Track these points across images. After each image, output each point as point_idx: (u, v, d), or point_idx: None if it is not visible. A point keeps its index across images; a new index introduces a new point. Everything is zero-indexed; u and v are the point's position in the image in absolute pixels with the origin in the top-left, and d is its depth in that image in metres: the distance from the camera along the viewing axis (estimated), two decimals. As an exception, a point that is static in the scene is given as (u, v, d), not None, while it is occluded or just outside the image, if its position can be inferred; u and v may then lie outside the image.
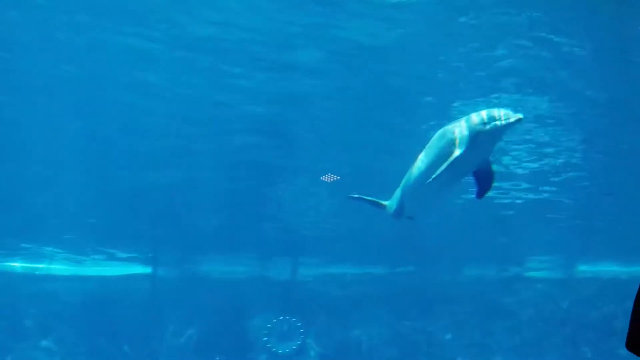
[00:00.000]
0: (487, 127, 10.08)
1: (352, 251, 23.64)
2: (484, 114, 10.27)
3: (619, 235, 20.93)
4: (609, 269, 24.02)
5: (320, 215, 20.80)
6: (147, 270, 25.11)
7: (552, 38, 12.32)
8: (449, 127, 10.87)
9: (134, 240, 22.69)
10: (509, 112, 10.08)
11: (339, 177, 19.05)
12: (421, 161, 11.38)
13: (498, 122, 9.99)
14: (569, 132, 15.66)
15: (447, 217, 20.25)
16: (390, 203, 13.05)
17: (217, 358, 23.94)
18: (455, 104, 14.21)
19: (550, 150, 16.44)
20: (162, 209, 19.98)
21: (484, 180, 10.87)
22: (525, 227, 21.26)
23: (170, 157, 17.06)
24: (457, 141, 10.42)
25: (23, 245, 22.75)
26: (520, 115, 9.99)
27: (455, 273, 25.40)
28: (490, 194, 11.61)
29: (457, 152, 10.34)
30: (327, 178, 19.06)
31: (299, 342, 24.71)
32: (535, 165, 17.23)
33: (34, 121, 15.21)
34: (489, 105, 13.56)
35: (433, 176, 10.63)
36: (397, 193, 12.64)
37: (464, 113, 11.88)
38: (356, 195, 14.05)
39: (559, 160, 16.97)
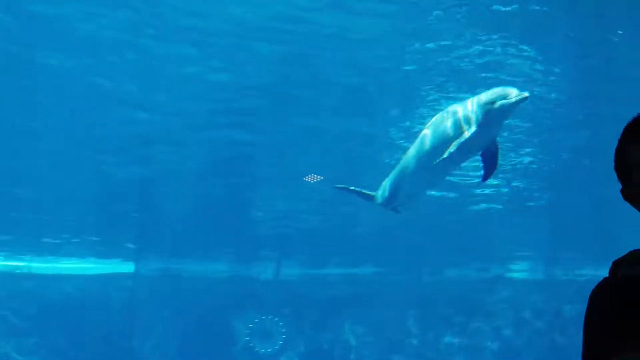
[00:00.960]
0: (496, 105, 10.11)
1: (336, 251, 23.65)
2: (492, 92, 10.33)
3: (595, 237, 20.96)
4: (586, 272, 24.10)
5: (303, 213, 20.80)
6: (129, 269, 25.03)
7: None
8: (456, 106, 10.88)
9: (115, 237, 22.61)
10: (516, 90, 10.12)
11: (322, 177, 19.02)
12: (425, 143, 11.27)
13: (506, 100, 10.04)
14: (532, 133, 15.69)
15: (426, 217, 20.40)
16: (378, 193, 12.96)
17: None
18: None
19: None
20: (142, 205, 19.88)
21: (490, 161, 10.81)
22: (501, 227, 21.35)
23: (151, 150, 16.96)
24: (468, 120, 10.44)
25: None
26: (526, 94, 10.01)
27: (436, 274, 25.46)
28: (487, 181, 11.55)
29: (469, 132, 10.36)
30: (311, 178, 19.02)
31: (282, 342, 24.68)
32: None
33: (11, 113, 15.12)
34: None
35: (443, 156, 10.60)
36: (390, 180, 12.55)
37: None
38: (342, 186, 13.96)
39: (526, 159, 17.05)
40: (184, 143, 16.63)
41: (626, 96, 13.63)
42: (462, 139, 10.40)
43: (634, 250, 2.47)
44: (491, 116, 10.21)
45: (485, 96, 10.36)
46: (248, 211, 20.60)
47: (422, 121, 13.92)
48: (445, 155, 10.57)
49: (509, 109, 10.12)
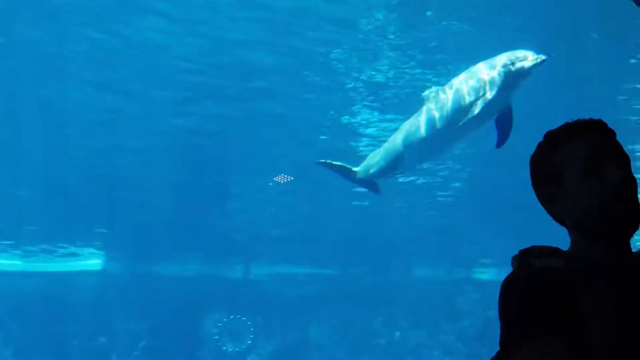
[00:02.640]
0: (515, 67, 10.20)
1: (305, 251, 23.74)
2: (509, 55, 10.38)
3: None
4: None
5: (272, 214, 20.87)
6: (97, 266, 24.89)
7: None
8: (473, 70, 10.83)
9: (84, 234, 22.45)
10: (533, 53, 10.21)
11: (292, 178, 19.11)
12: (442, 107, 11.17)
13: (525, 63, 10.15)
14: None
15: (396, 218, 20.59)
16: (361, 168, 12.88)
17: None
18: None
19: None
20: (112, 201, 19.73)
21: (505, 126, 10.75)
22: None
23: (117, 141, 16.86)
24: (487, 83, 10.46)
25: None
26: (543, 57, 10.11)
27: (405, 274, 25.64)
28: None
29: (490, 93, 10.40)
30: (280, 179, 19.11)
31: (250, 342, 24.74)
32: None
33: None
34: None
35: (467, 117, 10.60)
36: (387, 151, 12.39)
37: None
38: (323, 161, 13.79)
39: None
40: (151, 134, 16.63)
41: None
42: (484, 101, 10.42)
43: (537, 245, 2.65)
44: (510, 78, 10.27)
45: (503, 58, 10.41)
46: (218, 210, 20.67)
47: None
48: (469, 116, 10.56)
49: (528, 71, 10.17)
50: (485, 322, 24.90)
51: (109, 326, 24.25)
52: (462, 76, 10.96)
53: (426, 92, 11.53)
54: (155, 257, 24.36)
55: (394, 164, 12.19)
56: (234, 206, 20.43)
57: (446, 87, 11.20)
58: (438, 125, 11.19)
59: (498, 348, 2.76)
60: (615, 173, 2.60)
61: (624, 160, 2.66)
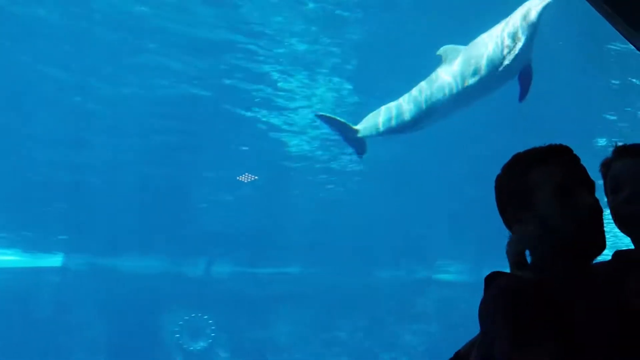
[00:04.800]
0: (532, 14, 10.64)
1: (266, 250, 23.76)
2: (522, 7, 10.82)
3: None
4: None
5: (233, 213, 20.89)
6: (57, 263, 24.66)
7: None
8: (495, 28, 11.17)
9: (43, 230, 22.25)
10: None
11: (256, 177, 19.15)
12: (467, 65, 11.48)
13: (537, 7, 10.61)
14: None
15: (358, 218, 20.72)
16: (363, 125, 13.00)
17: None
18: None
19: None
20: (73, 195, 19.48)
21: (528, 79, 11.15)
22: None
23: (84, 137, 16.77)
24: (514, 34, 10.85)
25: None
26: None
27: (366, 275, 25.75)
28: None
29: (520, 43, 10.79)
30: (244, 178, 19.14)
31: (211, 340, 24.69)
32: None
33: None
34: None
35: (504, 64, 10.95)
36: (404, 108, 12.49)
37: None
38: (323, 114, 13.97)
39: None
40: (119, 131, 16.57)
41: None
42: (515, 50, 10.79)
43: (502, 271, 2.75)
44: (532, 25, 10.68)
45: (519, 11, 10.83)
46: (183, 206, 20.62)
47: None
48: (500, 70, 10.98)
49: (543, 13, 10.59)
50: (443, 323, 25.14)
51: (69, 324, 24.03)
52: (487, 34, 11.35)
53: (442, 50, 11.86)
54: (117, 254, 24.18)
55: (415, 121, 12.37)
56: (197, 204, 20.40)
57: (470, 45, 11.58)
58: (469, 80, 11.51)
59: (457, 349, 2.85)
60: (588, 197, 2.77)
61: (592, 184, 2.82)
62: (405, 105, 12.47)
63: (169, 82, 14.85)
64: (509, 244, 2.85)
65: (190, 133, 16.78)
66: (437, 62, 11.85)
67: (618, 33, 3.92)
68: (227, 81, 14.89)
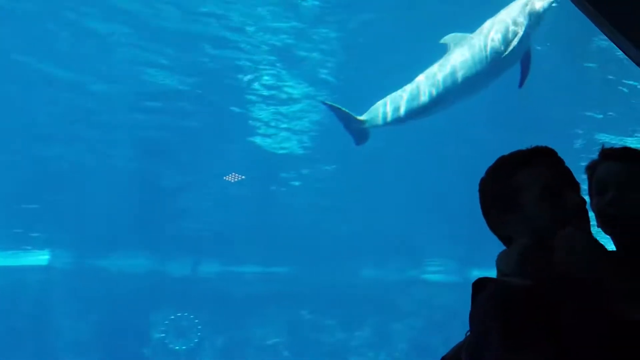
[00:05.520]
0: (533, 7, 11.11)
1: (253, 250, 23.72)
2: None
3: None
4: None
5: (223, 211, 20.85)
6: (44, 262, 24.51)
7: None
8: (499, 15, 11.52)
9: (28, 227, 22.12)
10: None
11: (243, 177, 19.13)
12: (474, 51, 11.76)
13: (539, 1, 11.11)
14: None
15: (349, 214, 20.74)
16: (370, 115, 13.01)
17: None
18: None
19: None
20: (60, 191, 19.41)
21: (528, 65, 11.58)
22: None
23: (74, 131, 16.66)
24: (517, 24, 11.26)
25: None
26: None
27: (352, 274, 25.75)
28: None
29: (520, 33, 11.20)
30: (231, 177, 19.11)
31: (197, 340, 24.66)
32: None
33: None
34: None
35: (511, 47, 11.27)
36: (414, 96, 12.55)
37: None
38: (329, 103, 13.94)
39: None
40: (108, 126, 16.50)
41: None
42: (518, 39, 11.22)
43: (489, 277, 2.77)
44: (533, 17, 11.14)
45: (520, 2, 11.31)
46: (169, 206, 20.56)
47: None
48: (504, 56, 11.36)
49: (545, 8, 11.02)
50: (429, 323, 25.20)
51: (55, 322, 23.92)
52: (490, 21, 11.69)
53: (447, 38, 12.11)
54: (103, 252, 24.04)
55: (423, 108, 12.51)
56: (185, 203, 20.35)
57: (476, 32, 11.86)
58: (477, 67, 11.81)
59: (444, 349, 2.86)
60: (576, 197, 2.82)
61: (578, 185, 2.88)
62: (413, 93, 12.61)
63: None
64: (502, 258, 2.84)
65: (178, 129, 16.73)
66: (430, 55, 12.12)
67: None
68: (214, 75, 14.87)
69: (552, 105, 15.26)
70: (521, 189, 2.81)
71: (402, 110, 12.65)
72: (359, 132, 13.27)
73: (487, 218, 2.93)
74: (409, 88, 12.61)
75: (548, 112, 15.42)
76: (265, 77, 15.19)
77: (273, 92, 15.72)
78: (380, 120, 12.96)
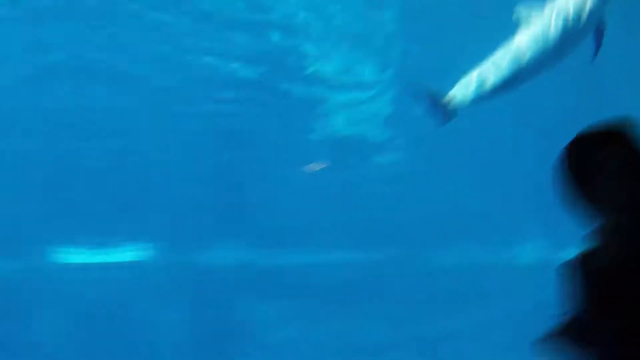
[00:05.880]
0: None
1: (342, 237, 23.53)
2: None
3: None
4: None
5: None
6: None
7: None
8: None
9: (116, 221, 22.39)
10: None
11: (325, 165, 19.09)
12: (550, 24, 11.87)
13: None
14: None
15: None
16: (456, 91, 12.69)
17: None
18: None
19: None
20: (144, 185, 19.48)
21: (601, 38, 11.67)
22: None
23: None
24: None
25: None
26: None
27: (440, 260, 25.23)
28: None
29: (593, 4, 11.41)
30: (313, 167, 19.11)
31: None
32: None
33: None
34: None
35: (577, 31, 11.55)
36: (499, 69, 12.41)
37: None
38: (413, 81, 13.56)
39: None
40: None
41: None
42: (592, 9, 11.38)
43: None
44: None
45: None
46: (253, 196, 20.62)
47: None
48: (580, 27, 11.52)
49: None
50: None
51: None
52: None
53: (520, 11, 12.16)
54: (192, 246, 24.20)
55: (511, 81, 12.38)
56: (267, 192, 20.38)
57: (548, 5, 11.92)
58: (559, 37, 11.86)
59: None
60: None
61: None
62: (498, 67, 12.39)
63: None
64: (588, 237, 2.97)
65: (253, 118, 16.80)
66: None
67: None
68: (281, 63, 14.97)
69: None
70: (598, 166, 2.93)
71: (491, 84, 12.37)
72: (445, 112, 12.87)
73: (564, 192, 3.05)
74: (495, 61, 12.34)
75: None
76: (334, 63, 15.06)
77: (344, 77, 15.59)
78: (468, 97, 12.61)
